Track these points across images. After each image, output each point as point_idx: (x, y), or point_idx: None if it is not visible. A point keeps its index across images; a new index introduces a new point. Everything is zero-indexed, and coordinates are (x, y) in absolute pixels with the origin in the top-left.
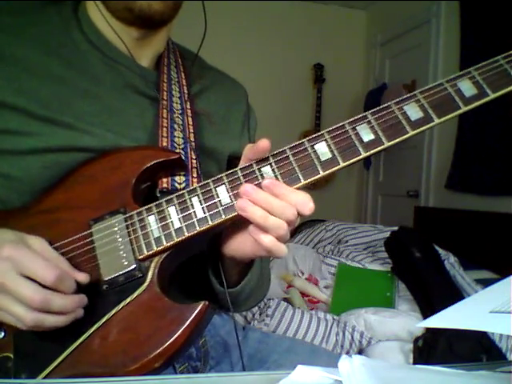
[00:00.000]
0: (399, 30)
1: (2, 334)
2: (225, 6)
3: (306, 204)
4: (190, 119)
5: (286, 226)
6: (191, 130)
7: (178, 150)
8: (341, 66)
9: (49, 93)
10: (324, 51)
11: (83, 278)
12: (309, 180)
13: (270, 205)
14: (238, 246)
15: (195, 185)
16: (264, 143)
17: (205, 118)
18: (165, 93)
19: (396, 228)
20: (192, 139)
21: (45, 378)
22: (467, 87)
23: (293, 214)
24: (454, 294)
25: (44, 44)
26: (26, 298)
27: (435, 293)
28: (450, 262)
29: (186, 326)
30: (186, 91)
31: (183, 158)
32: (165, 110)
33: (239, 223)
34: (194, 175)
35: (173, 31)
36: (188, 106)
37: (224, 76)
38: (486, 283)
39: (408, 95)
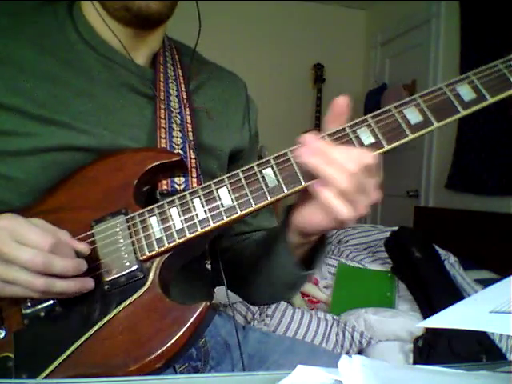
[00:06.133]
0: (399, 30)
1: (3, 333)
2: (224, 5)
3: (363, 155)
4: (188, 117)
5: (345, 177)
6: (190, 129)
7: (176, 151)
8: (341, 66)
9: (45, 93)
10: (324, 51)
11: (83, 247)
12: (310, 182)
13: (328, 154)
14: (310, 217)
15: (195, 185)
16: (339, 101)
17: (204, 115)
18: (162, 92)
19: (396, 228)
20: (191, 138)
21: (45, 378)
22: (466, 91)
23: (352, 167)
24: (454, 294)
25: (40, 44)
26: (26, 261)
27: (435, 293)
28: (450, 262)
29: (187, 326)
30: (183, 89)
31: (182, 157)
32: (162, 111)
33: (310, 196)
34: (194, 175)
35: (173, 30)
36: (186, 104)
37: (221, 70)
38: (485, 283)
39: (408, 99)
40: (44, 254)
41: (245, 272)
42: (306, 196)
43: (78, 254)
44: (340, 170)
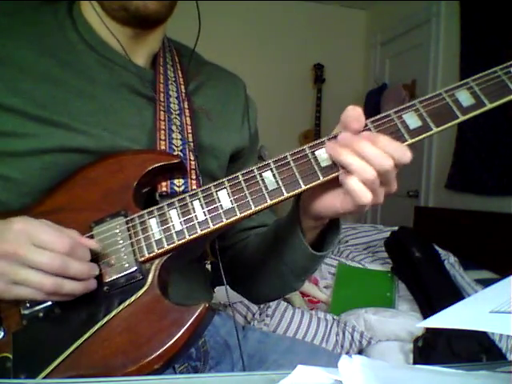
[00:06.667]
0: (399, 30)
1: (2, 333)
2: (224, 5)
3: (404, 153)
4: (188, 119)
5: (373, 171)
6: (189, 130)
7: (176, 152)
8: (341, 66)
9: (44, 93)
10: (324, 51)
11: (94, 244)
12: (309, 185)
13: (361, 149)
14: (329, 202)
15: (194, 186)
16: (350, 112)
17: (203, 115)
18: (161, 94)
19: (396, 228)
20: (190, 140)
21: (44, 378)
22: (465, 97)
23: (388, 162)
24: (453, 294)
25: (39, 45)
26: (44, 264)
27: (435, 293)
28: (450, 262)
29: (185, 328)
30: (183, 90)
31: (182, 160)
32: (162, 112)
33: (330, 181)
34: (193, 177)
35: (173, 30)
36: (186, 106)
37: (220, 69)
38: (485, 283)
39: (407, 104)
40: (61, 256)
41: (250, 267)
42: (326, 183)
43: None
44: (367, 161)
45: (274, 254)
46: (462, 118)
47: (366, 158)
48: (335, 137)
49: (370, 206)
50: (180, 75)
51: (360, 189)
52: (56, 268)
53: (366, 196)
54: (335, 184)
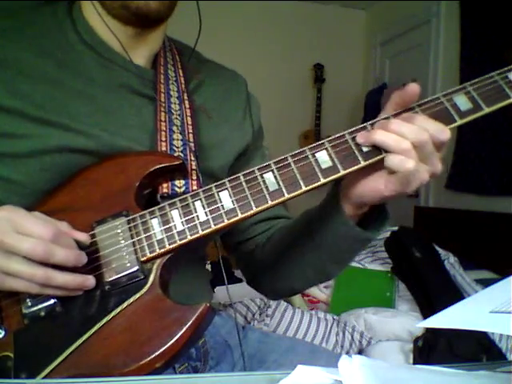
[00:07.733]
0: (399, 30)
1: (3, 332)
2: (225, 5)
3: (441, 130)
4: (188, 119)
5: (408, 142)
6: (190, 131)
7: (177, 153)
8: (341, 66)
9: (44, 94)
10: (324, 51)
11: (82, 236)
12: (310, 187)
13: (395, 128)
14: (373, 186)
15: (194, 187)
16: (413, 87)
17: (204, 114)
18: (162, 94)
19: (396, 228)
20: (191, 140)
21: (45, 377)
22: (463, 101)
23: (423, 136)
24: (453, 294)
25: (38, 45)
26: (28, 250)
27: (435, 293)
28: (450, 262)
29: (187, 327)
30: (183, 89)
31: (184, 161)
32: (163, 113)
33: (372, 165)
34: (194, 177)
35: (173, 30)
36: (186, 105)
37: (221, 67)
38: (486, 283)
39: (406, 108)
40: (45, 243)
41: (275, 259)
42: (364, 168)
43: (80, 246)
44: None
45: (308, 242)
46: (459, 122)
47: (400, 135)
48: (335, 138)
49: (415, 186)
50: (181, 74)
51: (401, 159)
52: (40, 254)
53: (408, 162)
54: (377, 167)
